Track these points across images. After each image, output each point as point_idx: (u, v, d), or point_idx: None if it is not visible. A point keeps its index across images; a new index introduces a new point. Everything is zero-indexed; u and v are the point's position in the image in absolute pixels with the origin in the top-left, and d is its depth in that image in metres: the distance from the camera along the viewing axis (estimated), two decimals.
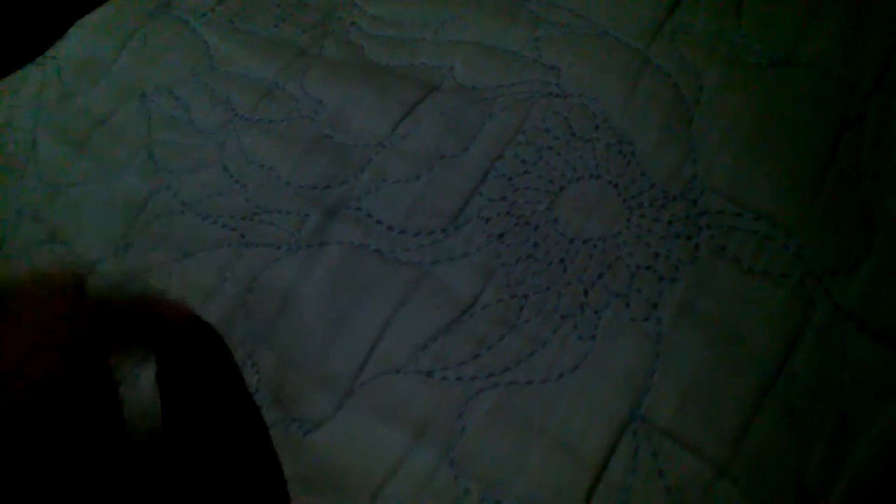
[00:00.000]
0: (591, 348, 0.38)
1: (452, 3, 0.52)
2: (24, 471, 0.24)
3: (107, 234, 0.45)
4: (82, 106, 0.50)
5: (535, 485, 0.35)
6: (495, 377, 0.38)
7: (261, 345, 0.40)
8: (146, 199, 0.45)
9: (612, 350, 0.38)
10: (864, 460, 0.34)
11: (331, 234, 0.43)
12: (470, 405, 0.37)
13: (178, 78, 0.50)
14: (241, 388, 0.37)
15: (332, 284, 0.41)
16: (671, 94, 0.45)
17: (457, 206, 0.43)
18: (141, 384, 0.38)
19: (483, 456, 0.36)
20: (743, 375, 0.36)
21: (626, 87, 0.45)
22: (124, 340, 0.34)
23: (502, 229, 0.42)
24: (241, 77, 0.50)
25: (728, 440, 0.35)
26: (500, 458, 0.36)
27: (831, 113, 0.42)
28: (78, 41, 0.52)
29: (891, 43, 0.43)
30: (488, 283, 0.40)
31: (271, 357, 0.40)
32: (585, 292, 0.40)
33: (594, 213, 0.42)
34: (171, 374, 0.33)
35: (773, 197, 0.40)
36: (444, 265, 0.41)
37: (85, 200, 0.46)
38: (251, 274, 0.42)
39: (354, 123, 0.47)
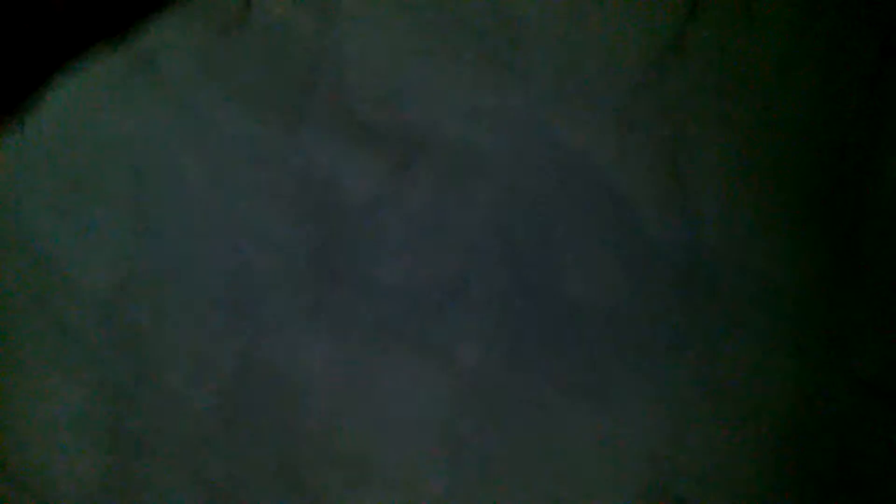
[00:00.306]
0: (606, 419, 0.38)
1: (439, 56, 0.52)
2: None
3: (94, 298, 0.45)
4: (67, 170, 0.49)
5: None
6: (509, 452, 0.38)
7: (264, 420, 0.40)
8: (134, 261, 0.45)
9: (627, 421, 0.38)
10: None
11: (330, 300, 0.43)
12: (488, 483, 0.37)
13: (166, 138, 0.50)
14: None
15: (332, 356, 0.41)
16: (661, 151, 0.45)
17: (456, 270, 0.43)
18: None
19: None
20: (761, 443, 0.36)
21: (615, 144, 0.46)
22: None
23: (504, 296, 0.42)
24: (230, 137, 0.50)
25: None
26: None
27: (821, 169, 0.43)
28: (59, 107, 0.51)
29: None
30: (491, 351, 0.40)
31: (276, 431, 0.40)
32: (594, 365, 0.40)
33: (596, 280, 0.42)
34: None
35: (783, 268, 0.41)
36: (446, 331, 0.41)
37: (71, 267, 0.46)
38: (245, 348, 0.42)
39: (347, 183, 0.47)
